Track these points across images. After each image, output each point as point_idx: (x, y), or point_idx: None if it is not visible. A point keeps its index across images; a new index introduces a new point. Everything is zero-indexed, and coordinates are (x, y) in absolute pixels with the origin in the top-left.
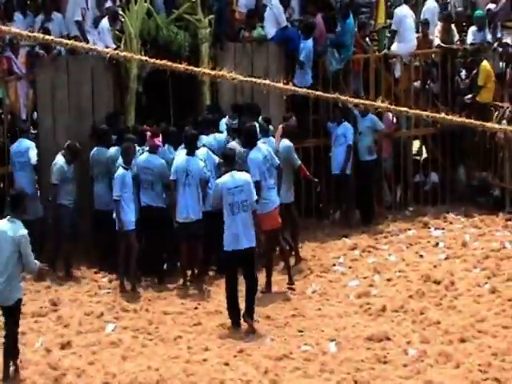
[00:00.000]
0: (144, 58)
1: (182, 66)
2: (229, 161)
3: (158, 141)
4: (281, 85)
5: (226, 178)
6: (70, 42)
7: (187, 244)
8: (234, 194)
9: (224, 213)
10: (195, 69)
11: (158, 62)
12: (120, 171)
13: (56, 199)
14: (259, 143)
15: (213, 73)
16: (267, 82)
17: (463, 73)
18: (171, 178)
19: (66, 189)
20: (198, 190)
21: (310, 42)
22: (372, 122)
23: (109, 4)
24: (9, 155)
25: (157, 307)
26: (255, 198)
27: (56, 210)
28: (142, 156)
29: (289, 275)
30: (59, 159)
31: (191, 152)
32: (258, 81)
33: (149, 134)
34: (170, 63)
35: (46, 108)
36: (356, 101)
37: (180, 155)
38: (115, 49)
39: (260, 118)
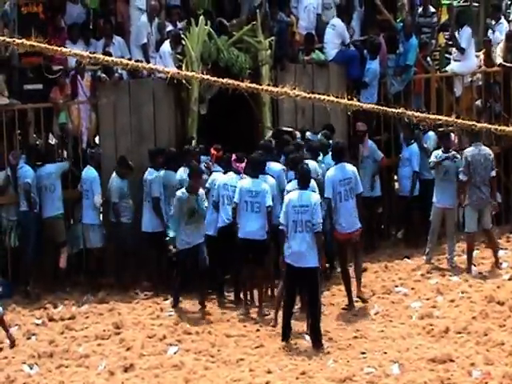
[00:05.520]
0: (206, 76)
1: (245, 84)
2: (303, 179)
3: (241, 167)
4: (345, 100)
5: (294, 195)
6: (131, 62)
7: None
8: (299, 212)
9: (288, 229)
10: (257, 86)
11: (221, 80)
12: None
13: (119, 217)
14: (346, 164)
15: (276, 90)
16: (332, 98)
17: None
18: (235, 200)
19: (123, 205)
20: (264, 211)
21: (375, 63)
22: (428, 138)
23: (170, 28)
24: (73, 179)
25: (219, 329)
26: (320, 220)
27: (117, 227)
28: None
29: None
30: (113, 177)
31: (256, 175)
32: (322, 97)
33: (234, 157)
34: (231, 81)
35: (108, 131)
36: (422, 115)
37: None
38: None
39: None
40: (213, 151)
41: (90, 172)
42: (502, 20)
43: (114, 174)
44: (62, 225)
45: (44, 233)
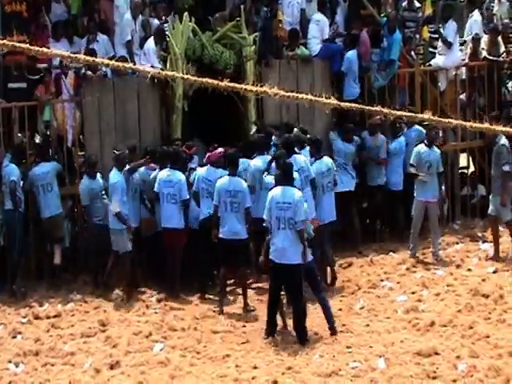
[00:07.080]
0: (186, 76)
1: (224, 84)
2: (285, 175)
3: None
4: (323, 99)
5: (277, 192)
6: (111, 62)
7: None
8: (282, 209)
9: (271, 226)
10: (237, 85)
11: (199, 79)
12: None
13: (90, 218)
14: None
15: (255, 89)
16: (309, 96)
17: (510, 84)
18: (215, 202)
19: (96, 206)
20: (243, 209)
21: (351, 53)
22: (418, 133)
23: (155, 22)
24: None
25: (205, 326)
26: (303, 218)
27: (88, 228)
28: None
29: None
30: (83, 179)
31: (234, 173)
32: (301, 96)
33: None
34: (211, 80)
35: (93, 129)
36: (399, 113)
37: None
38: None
39: (295, 129)
40: (185, 149)
41: (111, 177)
42: (474, 13)
43: (85, 175)
44: (61, 222)
45: (43, 232)
